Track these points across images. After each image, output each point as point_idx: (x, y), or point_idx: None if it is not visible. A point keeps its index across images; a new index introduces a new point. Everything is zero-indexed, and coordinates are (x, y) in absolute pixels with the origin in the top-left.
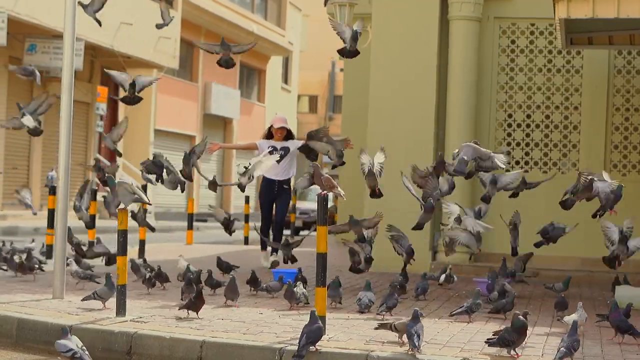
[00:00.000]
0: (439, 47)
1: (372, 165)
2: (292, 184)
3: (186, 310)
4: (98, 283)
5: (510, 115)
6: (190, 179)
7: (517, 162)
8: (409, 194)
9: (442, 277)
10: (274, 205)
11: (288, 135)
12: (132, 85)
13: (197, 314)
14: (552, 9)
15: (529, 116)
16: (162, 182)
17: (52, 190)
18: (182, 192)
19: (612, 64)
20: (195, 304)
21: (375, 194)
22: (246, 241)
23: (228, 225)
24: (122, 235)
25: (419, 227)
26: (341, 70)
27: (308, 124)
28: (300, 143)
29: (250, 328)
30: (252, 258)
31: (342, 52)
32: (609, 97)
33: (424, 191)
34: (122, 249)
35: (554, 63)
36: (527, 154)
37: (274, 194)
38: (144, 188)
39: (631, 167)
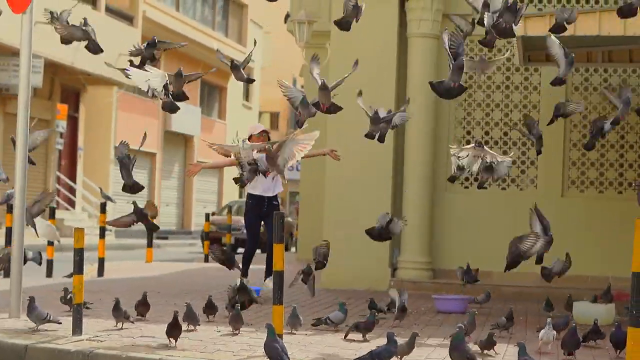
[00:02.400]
0: (397, 65)
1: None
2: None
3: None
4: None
5: (468, 132)
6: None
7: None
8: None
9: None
10: (262, 225)
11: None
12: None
13: (175, 340)
14: None
15: (487, 133)
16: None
17: (10, 208)
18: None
19: (569, 81)
20: (170, 330)
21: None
22: (206, 259)
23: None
24: (78, 253)
25: (370, 136)
26: (302, 87)
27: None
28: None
29: (208, 346)
30: (212, 277)
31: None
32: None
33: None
34: (78, 267)
35: (512, 80)
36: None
37: (263, 212)
38: (103, 206)
39: (589, 184)
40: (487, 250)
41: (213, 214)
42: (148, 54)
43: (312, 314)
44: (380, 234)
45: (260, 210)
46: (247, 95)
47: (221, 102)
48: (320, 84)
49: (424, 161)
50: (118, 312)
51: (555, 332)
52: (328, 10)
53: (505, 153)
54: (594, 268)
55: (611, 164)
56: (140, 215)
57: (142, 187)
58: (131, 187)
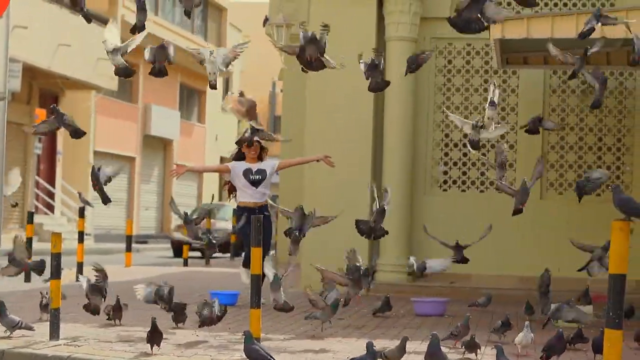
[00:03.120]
0: None
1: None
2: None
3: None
4: None
5: (447, 135)
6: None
7: (455, 182)
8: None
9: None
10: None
11: (262, 151)
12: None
13: (158, 346)
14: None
15: (465, 136)
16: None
17: None
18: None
19: (547, 84)
20: (151, 337)
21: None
22: (185, 263)
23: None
24: (56, 258)
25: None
26: (281, 90)
27: None
28: (277, 163)
29: (185, 350)
30: (191, 281)
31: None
32: (545, 116)
33: None
34: (56, 272)
35: (490, 83)
36: (464, 173)
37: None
38: (82, 210)
39: (567, 186)
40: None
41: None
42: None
43: (290, 317)
44: (371, 229)
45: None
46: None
47: (200, 106)
48: (310, 35)
49: (403, 164)
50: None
51: (533, 335)
52: (307, 13)
53: (483, 156)
54: (573, 270)
55: (589, 166)
56: (61, 120)
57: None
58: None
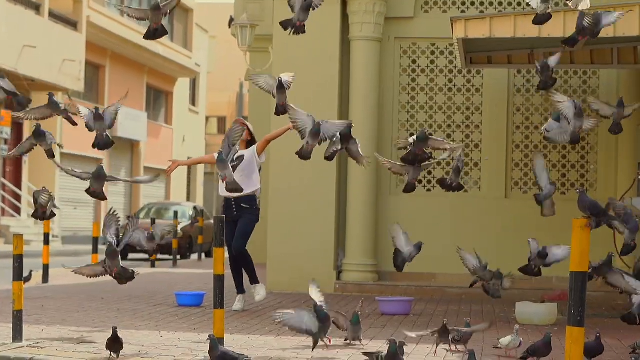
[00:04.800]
0: (340, 68)
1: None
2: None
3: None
4: None
5: (412, 135)
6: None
7: (420, 182)
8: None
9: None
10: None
11: (252, 141)
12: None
13: (117, 356)
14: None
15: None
16: None
17: None
18: None
19: (511, 83)
20: (111, 345)
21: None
22: (153, 264)
23: None
24: (18, 260)
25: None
26: (248, 91)
27: (217, 146)
28: (255, 146)
29: (149, 351)
30: (158, 282)
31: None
32: (509, 116)
33: None
34: (18, 274)
35: (455, 82)
36: (429, 172)
37: (234, 216)
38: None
39: (532, 185)
40: (432, 252)
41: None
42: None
43: (255, 317)
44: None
45: (231, 213)
46: (193, 100)
47: (167, 107)
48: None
49: (369, 164)
50: None
51: (521, 339)
52: (271, 13)
53: (448, 155)
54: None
55: (554, 165)
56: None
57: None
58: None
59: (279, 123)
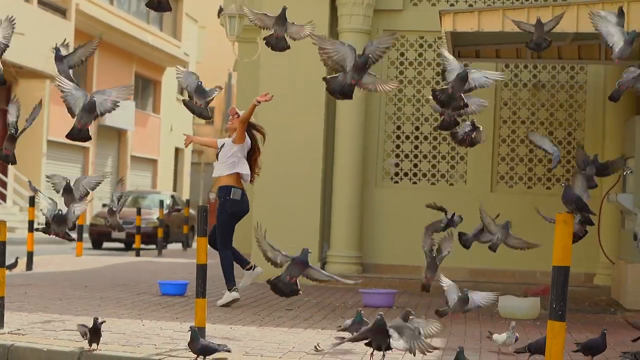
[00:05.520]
0: None
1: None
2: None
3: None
4: None
5: (399, 127)
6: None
7: (406, 174)
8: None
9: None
10: None
11: (249, 129)
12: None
13: (97, 345)
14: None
15: (417, 128)
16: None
17: None
18: None
19: None
20: (90, 336)
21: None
22: (137, 253)
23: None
24: (1, 247)
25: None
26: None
27: (204, 136)
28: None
29: (130, 340)
30: (141, 271)
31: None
32: (496, 110)
33: None
34: (0, 261)
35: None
36: (415, 165)
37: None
38: (32, 199)
39: (518, 179)
40: (417, 244)
41: (104, 205)
42: None
43: (236, 307)
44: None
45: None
46: (181, 90)
47: (155, 96)
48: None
49: (355, 156)
50: None
51: (517, 335)
52: (260, 4)
53: (434, 148)
54: (522, 263)
55: (540, 159)
56: None
57: None
58: None
59: (264, 115)
